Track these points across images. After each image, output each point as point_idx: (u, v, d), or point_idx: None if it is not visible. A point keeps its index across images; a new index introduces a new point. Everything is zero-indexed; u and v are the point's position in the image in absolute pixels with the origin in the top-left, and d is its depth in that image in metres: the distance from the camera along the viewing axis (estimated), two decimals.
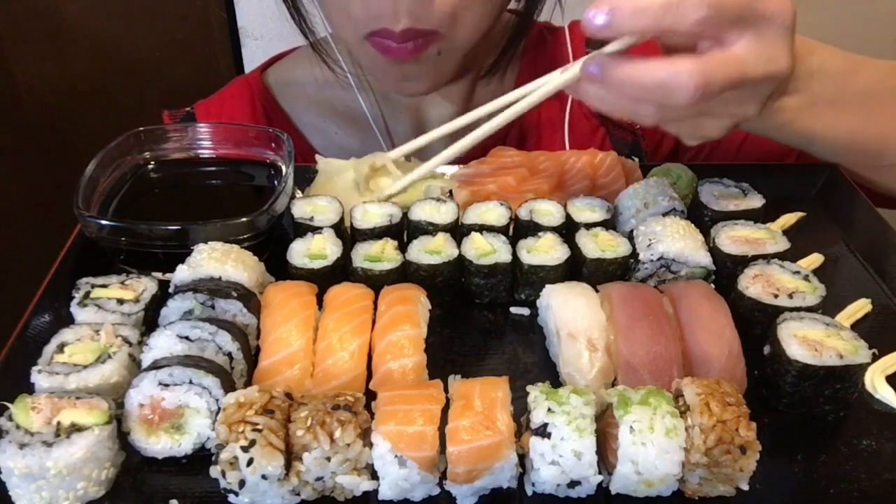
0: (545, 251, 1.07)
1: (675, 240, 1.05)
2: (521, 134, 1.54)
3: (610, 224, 1.15)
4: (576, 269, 1.07)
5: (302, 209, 1.14)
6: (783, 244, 1.08)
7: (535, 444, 0.79)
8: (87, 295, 1.00)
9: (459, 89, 1.52)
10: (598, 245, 1.07)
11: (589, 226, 1.12)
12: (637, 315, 0.94)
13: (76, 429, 0.80)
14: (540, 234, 1.10)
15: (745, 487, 0.81)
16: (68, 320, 0.97)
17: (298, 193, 1.22)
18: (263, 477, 0.77)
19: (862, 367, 0.89)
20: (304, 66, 1.59)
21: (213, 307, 0.97)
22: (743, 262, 1.05)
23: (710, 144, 1.51)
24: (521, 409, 0.84)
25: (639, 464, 0.78)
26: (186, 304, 0.96)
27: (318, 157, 1.30)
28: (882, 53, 2.43)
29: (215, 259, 1.00)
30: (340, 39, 1.43)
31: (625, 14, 0.85)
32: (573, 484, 0.80)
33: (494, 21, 1.30)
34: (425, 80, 1.33)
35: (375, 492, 0.81)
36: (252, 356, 0.95)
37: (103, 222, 1.07)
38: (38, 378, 0.87)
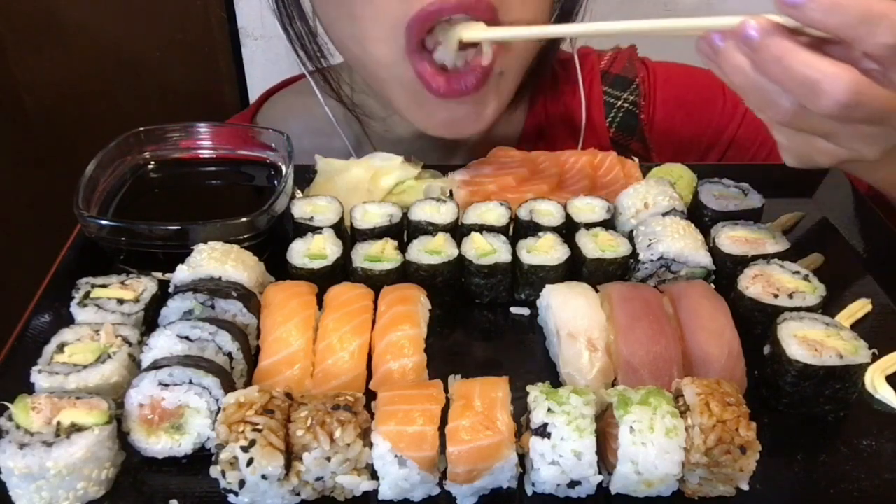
0: (545, 251, 1.07)
1: (675, 240, 1.05)
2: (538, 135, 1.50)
3: (610, 224, 1.15)
4: (576, 269, 1.07)
5: (302, 209, 1.14)
6: (783, 244, 1.08)
7: (535, 444, 0.79)
8: (87, 295, 1.00)
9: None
10: (598, 245, 1.07)
11: (589, 226, 1.12)
12: (637, 315, 0.94)
13: (76, 429, 0.80)
14: (540, 234, 1.10)
15: (745, 487, 0.81)
16: (68, 320, 0.97)
17: (298, 193, 1.22)
18: (263, 477, 0.77)
19: (862, 367, 0.89)
20: (296, 111, 1.50)
21: (213, 307, 0.97)
22: (743, 262, 1.05)
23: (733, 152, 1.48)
24: (521, 409, 0.84)
25: (639, 464, 0.78)
26: (186, 304, 0.96)
27: (317, 157, 1.30)
28: None
29: (215, 259, 1.00)
30: (369, 66, 1.19)
31: (821, 4, 0.76)
32: (573, 484, 0.80)
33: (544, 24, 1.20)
34: (485, 112, 1.15)
35: (375, 492, 0.81)
36: (252, 356, 0.95)
37: (103, 222, 1.08)
38: (38, 378, 0.87)
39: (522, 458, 0.82)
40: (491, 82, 1.12)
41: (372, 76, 1.21)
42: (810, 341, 0.90)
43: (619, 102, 1.48)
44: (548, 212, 1.14)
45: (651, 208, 1.13)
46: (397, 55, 1.09)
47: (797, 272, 1.03)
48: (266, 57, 2.37)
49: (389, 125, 1.44)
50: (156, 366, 0.86)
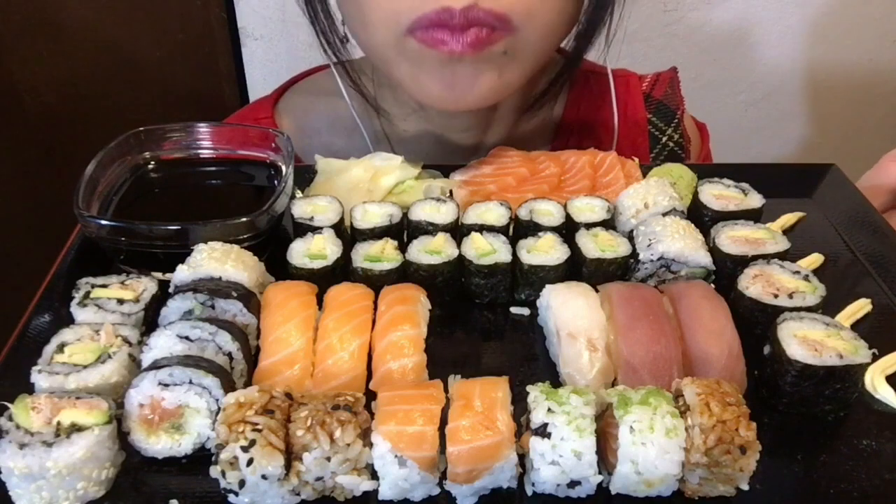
0: (545, 251, 1.07)
1: (675, 240, 1.05)
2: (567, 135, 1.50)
3: (610, 224, 1.15)
4: (576, 269, 1.07)
5: (302, 209, 1.14)
6: (783, 244, 1.08)
7: (535, 444, 0.79)
8: (87, 295, 1.00)
9: (503, 124, 1.40)
10: (598, 245, 1.07)
11: (589, 226, 1.12)
12: (637, 315, 0.94)
13: (76, 429, 0.80)
14: (540, 234, 1.10)
15: (745, 487, 0.81)
16: (68, 320, 0.97)
17: (298, 193, 1.22)
18: (263, 477, 0.77)
19: (862, 367, 0.89)
20: (317, 105, 1.49)
21: (213, 307, 0.96)
22: (743, 262, 1.05)
23: None
24: (521, 409, 0.84)
25: (639, 464, 0.78)
26: (186, 304, 0.96)
27: (317, 157, 1.30)
28: (882, 53, 2.44)
29: (215, 259, 1.00)
30: (373, 48, 1.19)
31: None
32: (573, 484, 0.80)
33: (563, 35, 1.19)
34: (481, 86, 1.11)
35: (375, 492, 0.81)
36: (252, 356, 0.95)
37: (103, 222, 1.07)
38: (38, 378, 0.87)
39: (522, 458, 0.82)
40: (493, 56, 1.09)
41: (380, 59, 1.20)
42: (810, 341, 0.90)
43: (664, 139, 1.48)
44: (548, 212, 1.14)
45: (651, 208, 1.13)
46: (398, 34, 1.09)
47: (797, 272, 1.03)
48: (266, 57, 2.37)
49: (408, 124, 1.44)
50: (156, 366, 0.86)
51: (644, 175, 1.27)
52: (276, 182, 1.21)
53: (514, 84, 1.18)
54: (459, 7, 1.01)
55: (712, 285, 1.04)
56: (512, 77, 1.15)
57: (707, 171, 1.26)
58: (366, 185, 1.23)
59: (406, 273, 1.06)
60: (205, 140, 1.28)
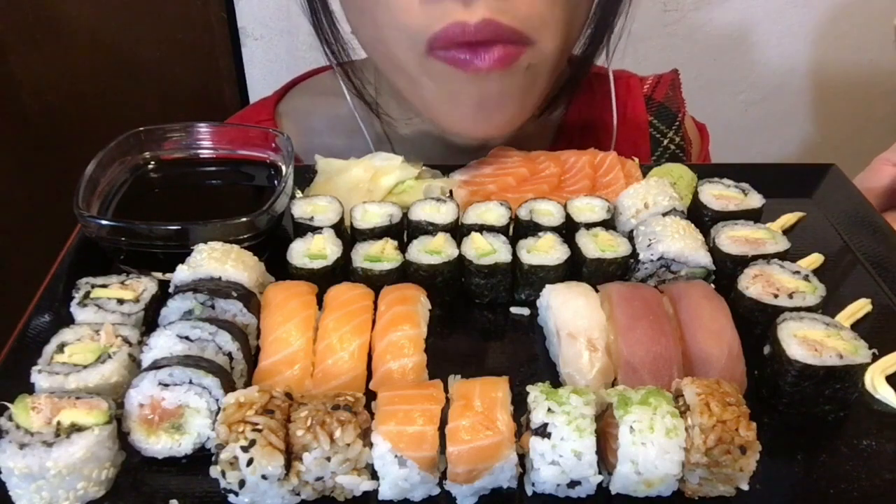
0: (545, 251, 1.07)
1: (675, 240, 1.05)
2: (568, 138, 1.49)
3: (610, 224, 1.15)
4: (576, 269, 1.07)
5: (302, 209, 1.14)
6: (783, 244, 1.08)
7: (535, 444, 0.79)
8: (87, 295, 1.00)
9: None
10: (598, 245, 1.07)
11: (589, 226, 1.12)
12: (637, 315, 0.94)
13: (76, 429, 0.80)
14: (540, 234, 1.10)
15: (745, 487, 0.81)
16: (68, 320, 0.97)
17: (298, 193, 1.22)
18: (263, 477, 0.77)
19: (862, 367, 0.89)
20: (319, 106, 1.49)
21: (213, 307, 0.96)
22: (743, 262, 1.05)
23: None
24: (521, 409, 0.84)
25: (639, 464, 0.78)
26: (186, 304, 0.96)
27: (317, 157, 1.30)
28: (882, 53, 2.43)
29: (215, 259, 1.00)
30: (396, 69, 1.17)
31: None
32: (573, 484, 0.80)
33: (574, 42, 1.20)
34: (509, 105, 1.12)
35: (375, 492, 0.81)
36: (252, 356, 0.95)
37: (103, 222, 1.07)
38: (38, 378, 0.87)
39: (522, 458, 0.82)
40: (518, 72, 1.09)
41: (399, 75, 1.19)
42: (810, 341, 0.90)
43: (666, 142, 1.49)
44: (548, 212, 1.14)
45: (651, 208, 1.13)
46: (419, 53, 1.09)
47: (797, 272, 1.03)
48: (266, 57, 2.38)
49: (410, 128, 1.44)
50: (156, 366, 0.86)
51: (644, 175, 1.27)
52: (276, 182, 1.21)
53: (538, 97, 1.19)
54: (473, 21, 1.01)
55: (712, 285, 1.04)
56: (536, 91, 1.17)
57: (707, 171, 1.26)
58: (366, 185, 1.23)
59: (406, 273, 1.06)
60: (205, 140, 1.28)
